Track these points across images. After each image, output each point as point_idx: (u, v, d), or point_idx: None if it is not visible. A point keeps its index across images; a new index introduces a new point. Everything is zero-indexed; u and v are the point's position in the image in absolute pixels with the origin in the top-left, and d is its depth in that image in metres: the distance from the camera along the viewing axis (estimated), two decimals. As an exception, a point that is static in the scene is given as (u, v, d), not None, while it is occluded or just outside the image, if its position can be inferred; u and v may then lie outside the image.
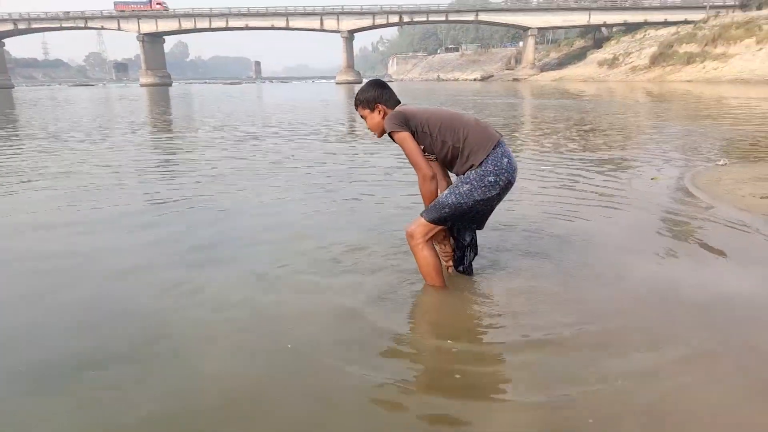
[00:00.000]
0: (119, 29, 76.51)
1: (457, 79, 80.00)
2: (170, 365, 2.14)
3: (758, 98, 19.28)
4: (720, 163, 6.27)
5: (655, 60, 47.46)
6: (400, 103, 2.70)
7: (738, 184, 5.07)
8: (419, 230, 2.65)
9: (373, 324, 2.44)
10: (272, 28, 78.37)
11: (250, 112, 18.51)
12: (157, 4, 76.87)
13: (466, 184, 2.55)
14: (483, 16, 74.04)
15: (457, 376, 2.04)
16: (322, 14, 74.24)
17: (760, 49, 38.25)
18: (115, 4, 76.29)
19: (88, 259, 3.33)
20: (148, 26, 74.67)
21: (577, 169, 6.24)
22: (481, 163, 2.52)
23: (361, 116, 2.73)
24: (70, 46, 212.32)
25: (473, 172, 2.54)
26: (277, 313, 2.57)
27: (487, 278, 2.91)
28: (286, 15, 74.69)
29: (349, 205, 4.66)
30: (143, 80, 74.17)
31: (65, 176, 6.15)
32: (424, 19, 76.80)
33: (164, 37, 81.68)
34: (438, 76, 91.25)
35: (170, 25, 76.53)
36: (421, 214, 2.65)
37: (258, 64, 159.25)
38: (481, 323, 2.47)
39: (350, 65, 76.18)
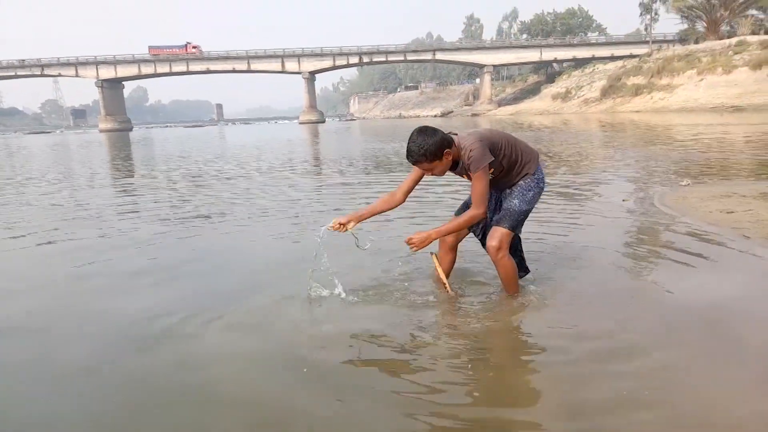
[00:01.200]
0: (77, 76, 75.74)
1: (418, 116, 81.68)
2: (189, 392, 2.21)
3: (704, 125, 20.44)
4: (683, 183, 6.71)
5: (606, 92, 49.69)
6: (451, 138, 2.68)
7: (703, 201, 5.46)
8: (504, 239, 2.83)
9: (388, 346, 2.58)
10: (234, 71, 78.98)
11: (223, 153, 18.55)
12: (193, 47, 76.74)
13: (530, 191, 2.83)
14: (440, 56, 76.54)
15: (476, 393, 2.17)
16: (283, 56, 75.33)
17: (702, 79, 40.62)
18: (150, 48, 76.65)
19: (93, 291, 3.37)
20: (106, 72, 74.16)
21: (551, 192, 6.56)
22: (535, 171, 2.83)
23: (426, 170, 2.69)
24: (24, 94, 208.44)
25: (530, 179, 2.83)
26: (289, 340, 2.66)
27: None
28: (248, 58, 75.50)
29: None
30: (102, 126, 73.18)
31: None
32: (383, 59, 78.84)
33: (123, 82, 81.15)
34: (400, 114, 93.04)
35: (130, 70, 76.20)
36: (497, 225, 2.82)
37: (220, 106, 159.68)
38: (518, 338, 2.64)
39: (313, 105, 77.14)
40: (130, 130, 73.30)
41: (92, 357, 2.55)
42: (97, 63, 74.43)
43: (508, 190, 2.88)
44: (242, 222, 5.62)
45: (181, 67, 76.63)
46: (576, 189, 6.94)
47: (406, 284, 3.27)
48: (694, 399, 2.01)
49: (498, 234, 2.83)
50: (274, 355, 2.51)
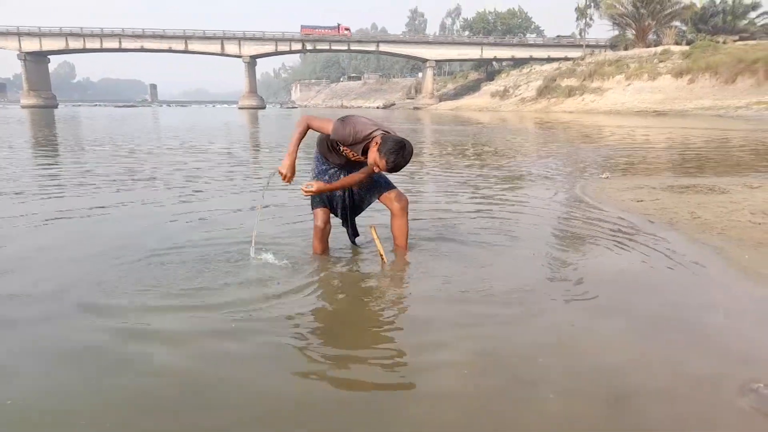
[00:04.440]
0: (-4, 47, 70.51)
1: (360, 107, 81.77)
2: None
3: (629, 126, 21.84)
4: (603, 176, 7.27)
5: (541, 92, 51.63)
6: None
7: (619, 192, 5.98)
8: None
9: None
10: (170, 50, 75.76)
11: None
12: (345, 29, 75.25)
13: None
14: (384, 47, 76.76)
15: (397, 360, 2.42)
16: (223, 38, 73.14)
17: (629, 84, 43.07)
18: (302, 28, 74.86)
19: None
20: (30, 44, 69.35)
21: (482, 182, 6.95)
22: None
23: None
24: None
25: None
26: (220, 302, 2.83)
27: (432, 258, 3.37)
28: (185, 38, 72.76)
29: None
30: (25, 101, 68.51)
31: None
32: (327, 47, 78.16)
33: (49, 56, 76.24)
34: (341, 104, 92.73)
35: (56, 44, 71.58)
36: (394, 189, 3.39)
37: (154, 87, 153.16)
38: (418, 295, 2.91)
39: (253, 90, 75.43)
40: (56, 107, 69.06)
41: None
42: (19, 34, 69.40)
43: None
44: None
45: (113, 44, 72.78)
46: (505, 177, 7.36)
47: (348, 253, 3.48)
48: (587, 350, 2.34)
49: (398, 193, 3.41)
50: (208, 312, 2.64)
